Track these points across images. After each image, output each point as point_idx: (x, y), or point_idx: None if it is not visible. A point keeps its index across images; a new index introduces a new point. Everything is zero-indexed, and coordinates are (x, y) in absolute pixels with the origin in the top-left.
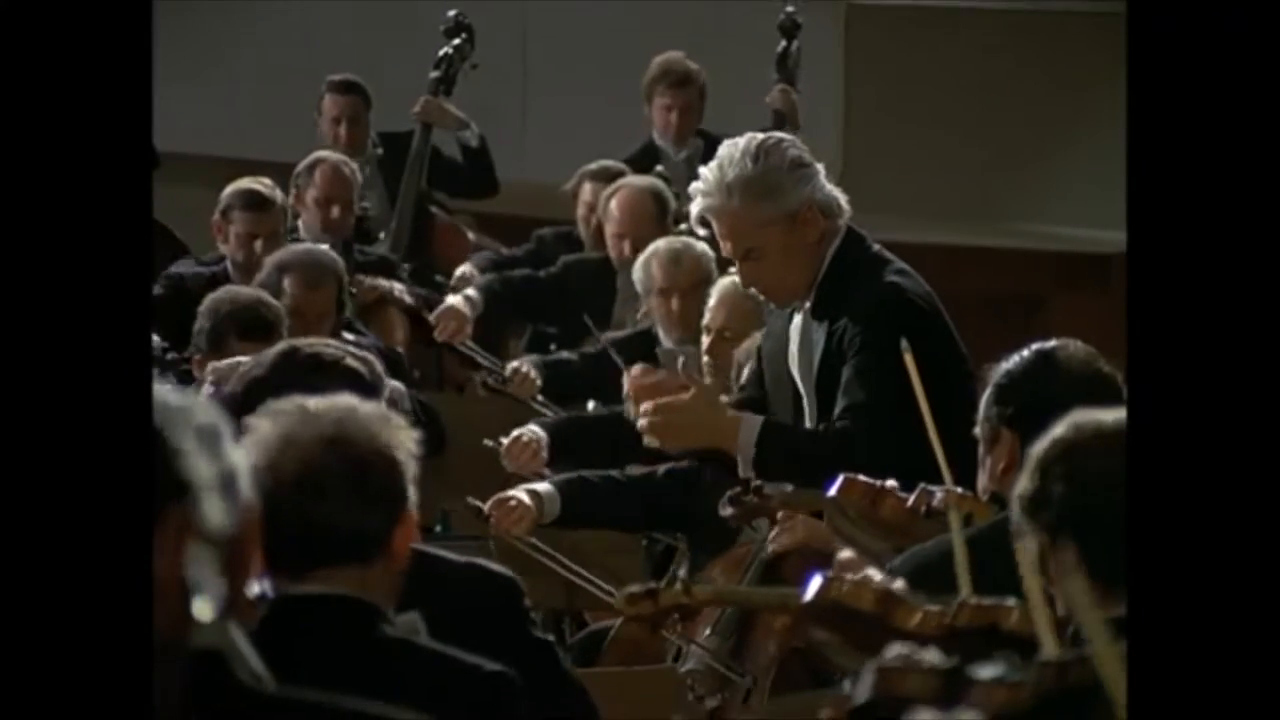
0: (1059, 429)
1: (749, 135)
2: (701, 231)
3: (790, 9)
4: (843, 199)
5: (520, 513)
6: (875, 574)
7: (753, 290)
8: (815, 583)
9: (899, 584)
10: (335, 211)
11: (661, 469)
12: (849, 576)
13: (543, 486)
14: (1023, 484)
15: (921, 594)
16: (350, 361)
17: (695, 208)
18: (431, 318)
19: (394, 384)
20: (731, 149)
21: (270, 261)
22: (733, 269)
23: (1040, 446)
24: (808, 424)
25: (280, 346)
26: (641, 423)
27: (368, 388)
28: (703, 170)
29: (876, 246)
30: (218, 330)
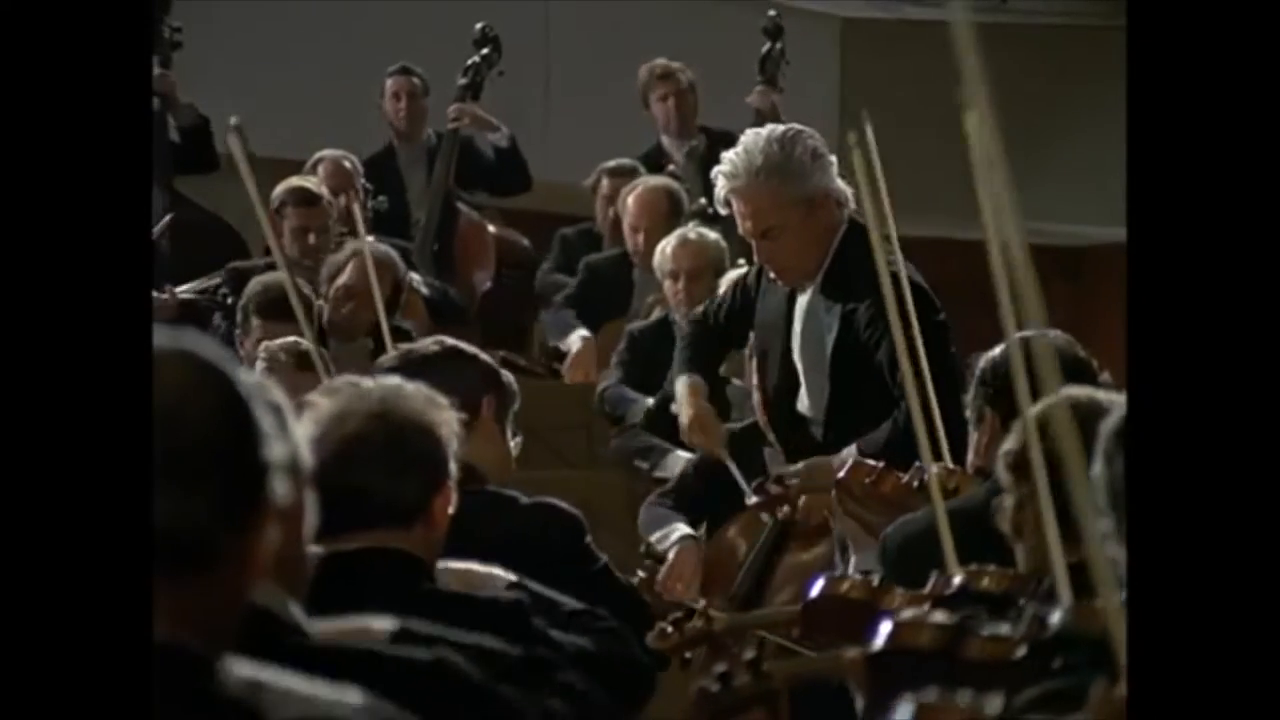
0: (1044, 401)
1: (770, 126)
2: (724, 212)
3: (772, 13)
4: (850, 193)
5: None
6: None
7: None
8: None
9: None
10: (342, 201)
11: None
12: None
13: None
14: (1008, 445)
15: (909, 559)
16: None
17: (720, 189)
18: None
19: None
20: (756, 137)
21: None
22: (740, 263)
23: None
24: (804, 397)
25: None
26: None
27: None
28: (728, 154)
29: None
30: (244, 310)
